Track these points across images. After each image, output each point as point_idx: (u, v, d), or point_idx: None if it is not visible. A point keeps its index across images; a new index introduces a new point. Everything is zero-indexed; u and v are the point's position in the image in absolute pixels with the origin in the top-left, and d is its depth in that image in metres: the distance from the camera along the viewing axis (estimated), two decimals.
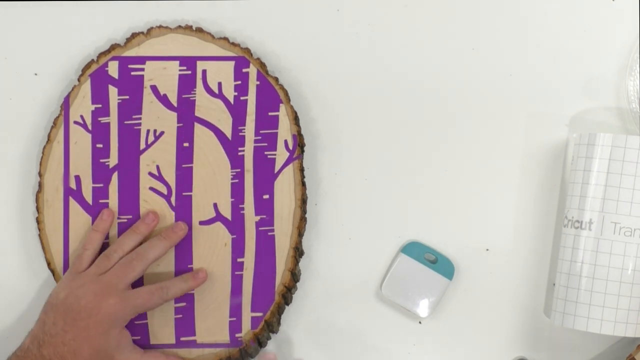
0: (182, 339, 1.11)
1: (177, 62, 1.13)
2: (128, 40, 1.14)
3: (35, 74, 1.16)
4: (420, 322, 1.14)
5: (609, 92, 1.15)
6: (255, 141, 1.12)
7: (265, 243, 1.11)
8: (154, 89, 1.13)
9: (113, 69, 1.13)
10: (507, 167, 1.15)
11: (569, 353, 1.13)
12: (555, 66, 1.16)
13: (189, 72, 1.13)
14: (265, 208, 1.11)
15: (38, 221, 1.12)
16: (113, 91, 1.13)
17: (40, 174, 1.12)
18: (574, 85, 1.16)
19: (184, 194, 1.12)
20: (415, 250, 1.13)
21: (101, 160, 1.12)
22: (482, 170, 1.15)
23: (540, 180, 1.15)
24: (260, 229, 1.11)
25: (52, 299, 1.05)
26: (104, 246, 1.11)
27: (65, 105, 1.13)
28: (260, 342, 1.11)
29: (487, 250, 1.14)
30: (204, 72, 1.13)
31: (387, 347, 1.14)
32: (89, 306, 1.03)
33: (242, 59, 1.13)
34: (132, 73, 1.13)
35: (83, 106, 1.13)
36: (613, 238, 1.04)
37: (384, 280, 1.13)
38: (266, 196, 1.12)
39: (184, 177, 1.12)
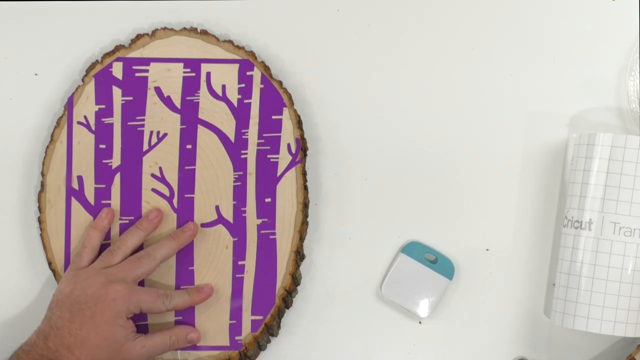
0: None
1: (182, 64, 1.12)
2: (133, 41, 1.13)
3: (36, 74, 1.15)
4: (420, 322, 1.12)
5: (609, 92, 1.14)
6: (258, 144, 1.11)
7: (267, 246, 1.09)
8: (158, 90, 1.12)
9: (117, 70, 1.12)
10: (507, 167, 1.14)
11: (569, 353, 1.12)
12: (555, 66, 1.15)
13: (193, 74, 1.12)
14: (267, 211, 1.10)
15: (40, 221, 1.10)
16: (117, 92, 1.12)
17: (42, 174, 1.11)
18: (574, 85, 1.14)
19: (186, 196, 1.10)
20: (415, 250, 1.12)
21: (104, 161, 1.11)
22: (482, 170, 1.14)
23: (540, 180, 1.13)
24: (261, 232, 1.10)
25: (56, 297, 1.03)
26: (104, 247, 1.09)
27: (69, 105, 1.12)
28: (260, 345, 1.09)
29: (487, 250, 1.13)
30: (208, 74, 1.12)
31: (387, 347, 1.12)
32: (95, 295, 1.01)
33: (247, 62, 1.12)
34: (137, 74, 1.12)
35: (87, 106, 1.12)
36: (613, 238, 1.03)
37: (384, 280, 1.11)
38: (268, 199, 1.10)
39: (187, 179, 1.10)
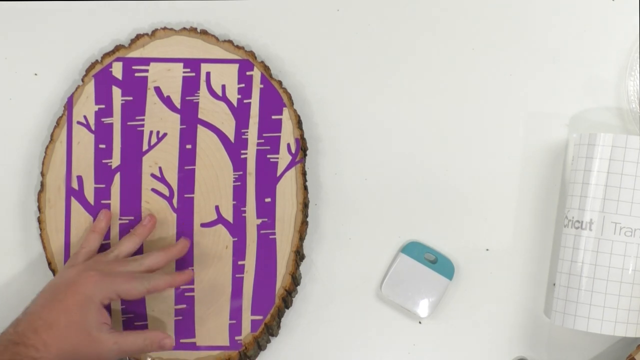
0: (182, 341, 1.09)
1: (181, 64, 1.12)
2: (132, 41, 1.13)
3: (36, 74, 1.14)
4: (420, 322, 1.12)
5: (609, 92, 1.14)
6: (258, 144, 1.10)
7: (267, 246, 1.09)
8: (158, 90, 1.11)
9: (117, 70, 1.12)
10: (507, 167, 1.13)
11: (569, 353, 1.11)
12: (555, 66, 1.14)
13: (193, 74, 1.11)
14: (266, 211, 1.09)
15: (39, 221, 1.10)
16: (117, 92, 1.11)
17: (42, 174, 1.11)
18: (574, 85, 1.14)
19: (185, 195, 1.10)
20: (415, 250, 1.11)
21: (104, 161, 1.10)
22: (482, 170, 1.13)
23: (540, 180, 1.13)
24: (261, 232, 1.09)
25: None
26: (104, 247, 1.08)
27: (69, 105, 1.11)
28: (260, 345, 1.09)
29: (487, 250, 1.13)
30: (208, 74, 1.11)
31: (387, 347, 1.12)
32: (69, 280, 0.99)
33: (246, 62, 1.12)
34: (136, 74, 1.11)
35: (86, 106, 1.11)
36: (613, 238, 1.02)
37: (384, 280, 1.11)
38: (268, 199, 1.10)
39: (186, 179, 1.10)
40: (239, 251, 1.09)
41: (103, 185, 1.10)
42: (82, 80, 1.11)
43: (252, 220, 1.09)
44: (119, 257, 1.05)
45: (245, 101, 1.10)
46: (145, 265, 1.04)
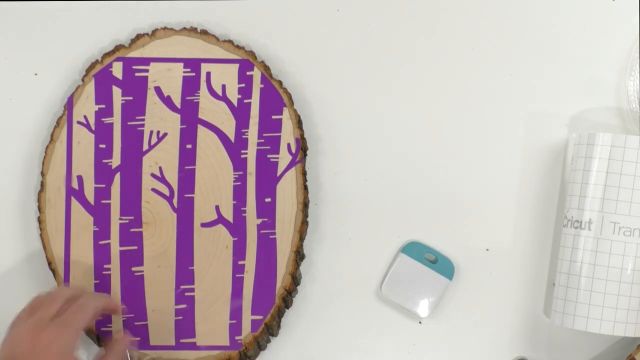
0: (182, 341, 1.09)
1: (182, 64, 1.12)
2: (133, 41, 1.13)
3: (36, 74, 1.14)
4: (420, 322, 1.12)
5: (609, 92, 1.14)
6: (258, 144, 1.10)
7: (267, 246, 1.09)
8: (158, 90, 1.12)
9: (117, 70, 1.12)
10: (507, 167, 1.13)
11: (569, 353, 1.11)
12: (555, 66, 1.14)
13: (193, 74, 1.12)
14: (267, 211, 1.09)
15: (40, 221, 1.10)
16: (117, 92, 1.11)
17: (42, 174, 1.11)
18: (574, 85, 1.14)
19: (186, 195, 1.10)
20: (415, 250, 1.11)
21: (104, 161, 1.10)
22: (482, 170, 1.13)
23: (540, 180, 1.13)
24: (261, 232, 1.09)
25: None
26: (103, 248, 1.08)
27: (69, 105, 1.11)
28: (260, 345, 1.09)
29: (487, 250, 1.13)
30: (208, 74, 1.12)
31: (387, 347, 1.12)
32: (29, 345, 0.93)
33: (246, 61, 1.12)
34: (137, 74, 1.12)
35: (87, 106, 1.11)
36: (612, 238, 1.02)
37: (384, 280, 1.11)
38: (268, 199, 1.10)
39: (187, 178, 1.10)
40: (239, 251, 1.08)
41: (103, 185, 1.10)
42: (82, 80, 1.11)
43: (252, 220, 1.09)
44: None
45: (245, 101, 1.10)
46: (74, 295, 1.00)
